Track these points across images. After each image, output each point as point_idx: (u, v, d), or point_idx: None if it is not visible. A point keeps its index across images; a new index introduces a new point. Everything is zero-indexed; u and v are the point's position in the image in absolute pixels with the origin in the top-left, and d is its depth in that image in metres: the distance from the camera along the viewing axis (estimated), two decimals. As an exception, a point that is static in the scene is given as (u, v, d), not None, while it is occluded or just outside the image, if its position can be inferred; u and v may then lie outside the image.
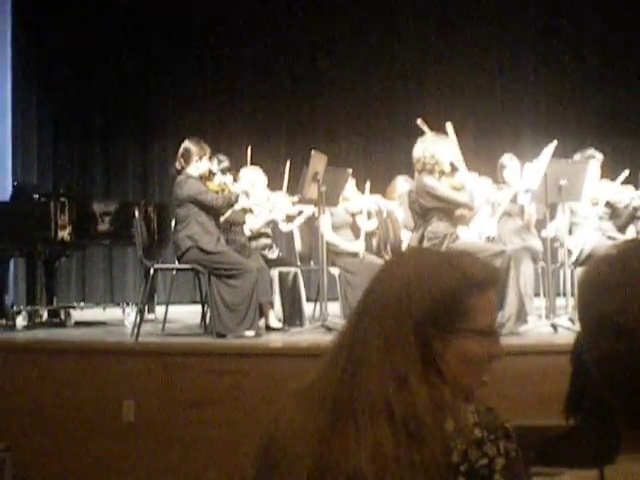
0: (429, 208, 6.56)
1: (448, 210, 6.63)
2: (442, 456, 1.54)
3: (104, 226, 8.40)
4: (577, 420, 2.25)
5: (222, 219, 7.35)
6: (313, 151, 7.03)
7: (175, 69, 11.65)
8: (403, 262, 1.74)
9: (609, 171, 7.82)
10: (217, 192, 7.21)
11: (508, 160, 8.07)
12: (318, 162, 7.01)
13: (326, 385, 1.68)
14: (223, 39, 11.58)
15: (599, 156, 7.64)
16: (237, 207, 7.49)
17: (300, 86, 11.66)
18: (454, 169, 6.70)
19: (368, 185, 8.19)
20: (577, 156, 7.62)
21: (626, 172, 7.78)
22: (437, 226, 6.56)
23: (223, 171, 7.67)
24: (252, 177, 7.87)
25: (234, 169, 7.91)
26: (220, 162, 7.75)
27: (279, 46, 11.69)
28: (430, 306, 1.65)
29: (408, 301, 1.64)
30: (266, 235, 8.07)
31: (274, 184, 8.17)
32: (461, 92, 11.53)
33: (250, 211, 7.80)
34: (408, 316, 1.63)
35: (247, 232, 7.81)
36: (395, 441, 1.56)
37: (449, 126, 6.88)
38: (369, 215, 8.17)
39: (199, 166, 7.08)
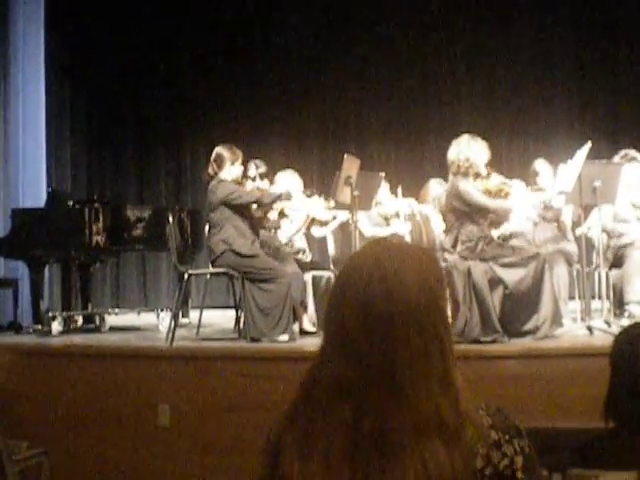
0: (463, 211, 6.54)
1: (482, 213, 6.61)
2: (471, 462, 1.53)
3: (138, 232, 8.44)
4: (616, 422, 2.23)
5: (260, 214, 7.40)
6: (346, 155, 7.03)
7: (208, 75, 11.68)
8: (394, 259, 1.62)
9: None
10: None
11: (541, 166, 8.02)
12: (351, 166, 7.00)
13: (353, 421, 1.54)
14: (256, 45, 11.61)
15: None
16: (275, 207, 7.52)
17: (333, 91, 11.64)
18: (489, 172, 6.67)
19: (400, 190, 8.19)
20: (617, 157, 7.52)
21: None
22: (471, 229, 6.53)
23: (261, 176, 7.70)
24: (288, 182, 7.89)
25: (269, 175, 7.92)
26: (257, 167, 7.78)
27: (311, 52, 11.69)
28: (445, 293, 1.64)
29: (431, 294, 1.60)
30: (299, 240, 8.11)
31: (308, 189, 8.18)
32: (493, 95, 11.48)
33: (285, 216, 7.82)
34: (436, 309, 1.60)
35: (283, 239, 7.84)
36: (447, 452, 1.51)
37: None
38: (402, 218, 8.18)
39: (232, 171, 7.12)
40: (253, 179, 7.64)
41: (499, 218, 7.03)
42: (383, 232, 8.11)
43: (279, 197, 7.23)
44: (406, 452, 1.50)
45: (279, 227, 7.83)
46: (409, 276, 1.60)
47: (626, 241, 7.32)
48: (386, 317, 1.57)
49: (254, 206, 7.20)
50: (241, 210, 7.05)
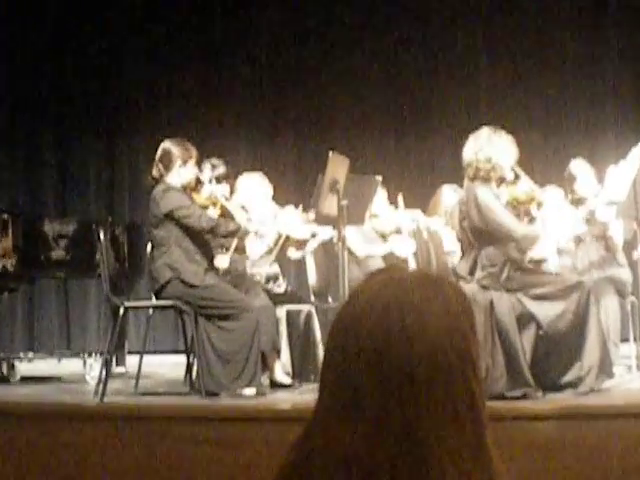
0: (483, 228, 6.55)
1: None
2: None
3: (59, 252, 8.42)
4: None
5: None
6: (331, 153, 7.03)
7: (150, 49, 11.67)
8: (413, 294, 1.60)
9: None
10: (206, 207, 7.24)
11: (578, 168, 8.04)
12: (338, 167, 7.00)
13: None
14: (215, 16, 11.62)
15: None
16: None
17: (314, 72, 11.65)
18: (517, 176, 6.69)
19: (401, 198, 8.20)
20: None
21: None
22: (494, 250, 6.54)
23: (218, 179, 7.70)
24: (254, 188, 7.90)
25: (230, 177, 7.92)
26: (214, 168, 7.78)
27: (287, 22, 11.70)
28: (476, 338, 1.63)
29: (461, 338, 1.59)
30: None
31: (281, 197, 8.18)
32: (523, 79, 11.51)
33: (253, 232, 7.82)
34: (467, 358, 1.58)
35: (248, 263, 7.83)
36: None
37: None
38: (405, 236, 8.20)
39: (183, 173, 7.12)
40: (209, 182, 7.63)
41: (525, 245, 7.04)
42: (381, 250, 8.12)
43: (233, 233, 7.24)
44: None
45: (243, 248, 7.83)
46: (434, 316, 1.58)
47: None
48: (405, 369, 1.54)
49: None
50: (190, 227, 7.04)
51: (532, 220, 6.83)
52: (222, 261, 7.58)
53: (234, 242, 7.36)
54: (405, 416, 1.52)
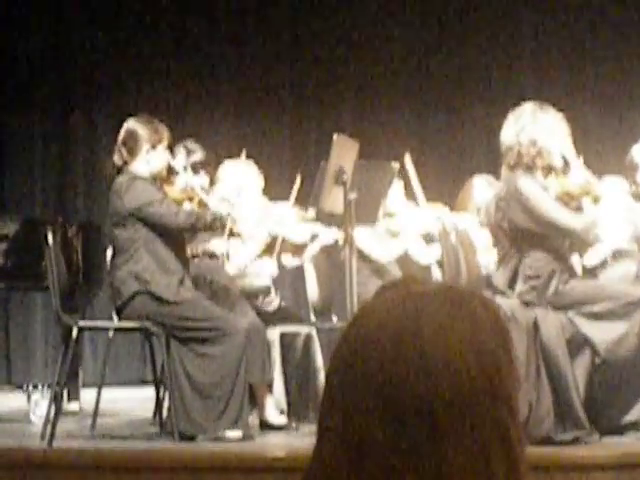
0: (526, 229, 6.53)
1: (559, 233, 6.61)
2: None
3: (-4, 259, 8.44)
4: None
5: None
6: (336, 135, 7.04)
7: (112, 10, 11.68)
8: (434, 314, 1.58)
9: None
10: (181, 202, 7.23)
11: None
12: (345, 152, 7.02)
13: None
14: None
15: None
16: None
17: (312, 32, 11.67)
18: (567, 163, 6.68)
19: (409, 159, 8.15)
20: None
21: None
22: (539, 257, 6.53)
23: (195, 167, 7.72)
24: (238, 177, 7.90)
25: (210, 165, 7.94)
26: (190, 153, 7.80)
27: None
28: (514, 369, 1.61)
29: (494, 370, 1.57)
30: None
31: (273, 189, 8.18)
32: (575, 44, 11.51)
33: (236, 235, 7.81)
34: (502, 394, 1.57)
35: (232, 270, 7.82)
36: None
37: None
38: (428, 239, 8.19)
39: (152, 160, 7.13)
40: (184, 170, 7.64)
41: (583, 242, 7.04)
42: (396, 250, 8.11)
43: (212, 226, 7.22)
44: None
45: (225, 255, 7.84)
46: (460, 342, 1.56)
47: None
48: (424, 407, 1.53)
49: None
50: (162, 227, 7.05)
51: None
52: (219, 245, 7.63)
53: (227, 226, 7.34)
54: (424, 466, 1.52)
